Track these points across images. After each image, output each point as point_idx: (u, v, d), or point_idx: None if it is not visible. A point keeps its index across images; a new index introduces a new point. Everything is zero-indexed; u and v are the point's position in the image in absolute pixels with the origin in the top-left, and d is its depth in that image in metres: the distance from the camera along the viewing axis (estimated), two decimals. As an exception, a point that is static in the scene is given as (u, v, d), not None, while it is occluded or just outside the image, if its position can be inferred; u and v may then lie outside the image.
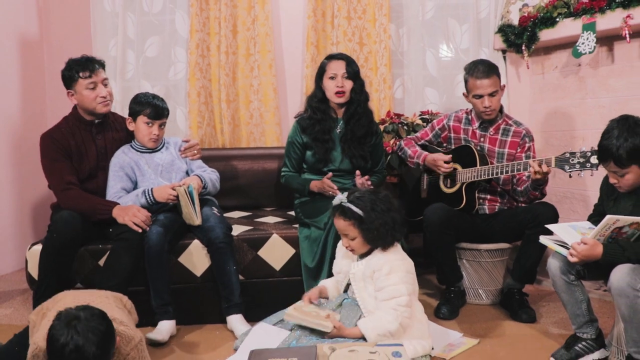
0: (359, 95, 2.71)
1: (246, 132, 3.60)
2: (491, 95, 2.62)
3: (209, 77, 3.57)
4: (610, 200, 2.05)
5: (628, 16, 2.65)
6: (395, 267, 2.00)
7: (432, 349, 2.10)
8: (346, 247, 2.08)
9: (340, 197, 2.06)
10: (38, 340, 1.59)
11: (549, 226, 2.10)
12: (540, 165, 2.35)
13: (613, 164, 1.89)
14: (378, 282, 2.00)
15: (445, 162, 2.71)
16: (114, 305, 1.81)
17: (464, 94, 2.76)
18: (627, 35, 2.67)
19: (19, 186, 3.47)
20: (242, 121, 3.59)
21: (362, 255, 2.10)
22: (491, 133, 2.74)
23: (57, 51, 3.71)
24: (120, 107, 3.50)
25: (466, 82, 2.70)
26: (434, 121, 2.96)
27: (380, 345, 1.62)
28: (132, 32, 3.59)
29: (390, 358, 1.49)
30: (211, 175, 2.66)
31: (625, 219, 1.84)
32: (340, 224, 2.06)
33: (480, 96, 2.63)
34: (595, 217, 2.13)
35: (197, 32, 3.50)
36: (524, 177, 2.60)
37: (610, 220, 1.83)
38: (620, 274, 1.79)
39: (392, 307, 1.95)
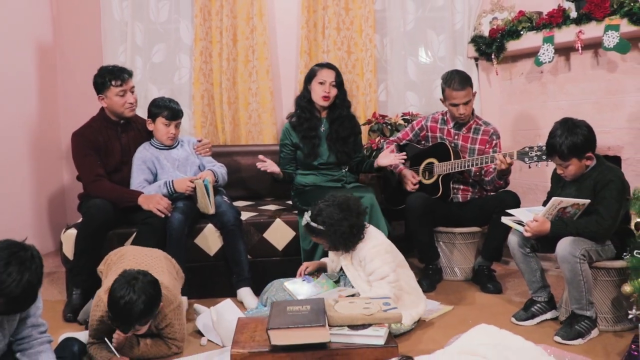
0: (342, 101, 3.11)
1: (245, 131, 3.92)
2: (465, 104, 3.01)
3: (211, 81, 3.88)
4: (558, 187, 2.47)
5: (580, 31, 3.03)
6: (373, 253, 2.32)
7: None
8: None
9: (306, 218, 2.37)
10: (101, 292, 1.94)
11: (510, 210, 2.51)
12: (504, 157, 2.76)
13: (558, 158, 2.31)
14: (366, 269, 2.34)
15: (414, 183, 3.06)
16: (165, 268, 2.15)
17: (440, 99, 3.14)
18: (580, 48, 3.04)
19: (37, 180, 3.75)
20: (242, 121, 3.91)
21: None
22: (464, 132, 3.14)
23: (69, 57, 3.96)
24: (130, 107, 3.81)
25: (443, 90, 3.06)
26: (414, 122, 3.34)
27: (373, 298, 2.01)
28: (140, 39, 3.87)
29: (381, 307, 1.88)
30: (221, 170, 3.00)
31: (567, 201, 2.26)
32: (313, 238, 2.46)
33: (456, 105, 3.02)
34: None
35: (201, 40, 3.82)
36: (490, 169, 2.99)
37: (555, 201, 2.25)
38: (564, 244, 2.22)
39: (384, 284, 2.27)
